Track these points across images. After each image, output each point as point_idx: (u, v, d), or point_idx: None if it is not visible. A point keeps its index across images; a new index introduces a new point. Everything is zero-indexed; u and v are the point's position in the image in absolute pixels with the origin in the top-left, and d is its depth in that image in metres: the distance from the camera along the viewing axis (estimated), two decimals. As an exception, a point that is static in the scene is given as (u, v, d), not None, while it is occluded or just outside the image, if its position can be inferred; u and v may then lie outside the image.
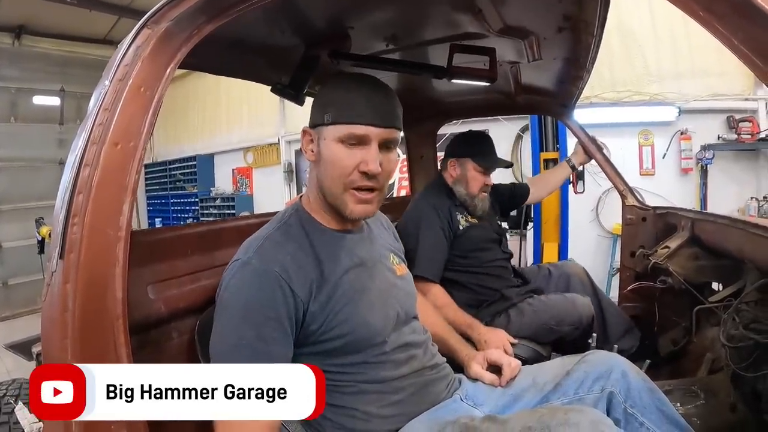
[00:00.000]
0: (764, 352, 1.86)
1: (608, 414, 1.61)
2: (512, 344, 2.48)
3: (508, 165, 3.35)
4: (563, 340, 2.69)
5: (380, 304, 1.61)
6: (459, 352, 2.00)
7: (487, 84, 2.28)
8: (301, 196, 1.72)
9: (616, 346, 2.49)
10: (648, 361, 2.43)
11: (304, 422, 1.56)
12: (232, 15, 1.33)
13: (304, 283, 1.44)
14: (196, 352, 1.61)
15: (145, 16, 1.30)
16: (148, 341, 1.53)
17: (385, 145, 1.52)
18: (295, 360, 1.47)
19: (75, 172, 1.23)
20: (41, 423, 2.64)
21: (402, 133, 3.85)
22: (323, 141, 1.52)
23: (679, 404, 2.15)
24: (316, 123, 1.55)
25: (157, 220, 12.68)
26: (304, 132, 1.59)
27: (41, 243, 4.88)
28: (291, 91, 2.23)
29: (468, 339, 2.45)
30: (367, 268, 1.65)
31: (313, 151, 1.57)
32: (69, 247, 1.21)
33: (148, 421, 1.29)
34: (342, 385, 1.53)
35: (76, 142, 1.30)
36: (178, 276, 1.69)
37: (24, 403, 2.82)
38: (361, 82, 1.58)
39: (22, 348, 5.44)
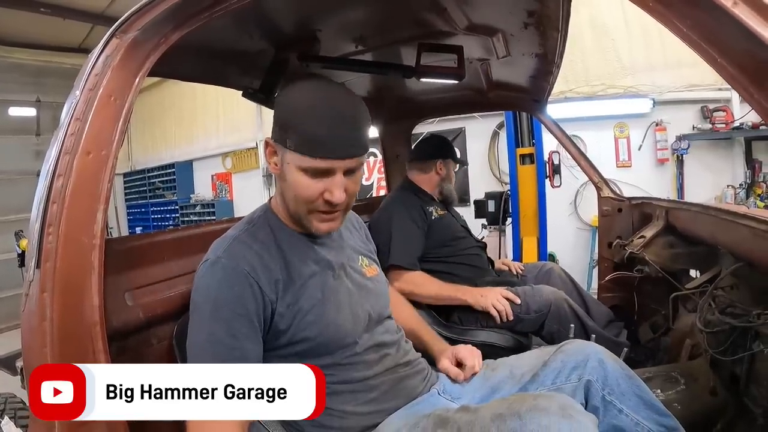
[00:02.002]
0: (740, 336, 1.89)
1: (587, 402, 1.64)
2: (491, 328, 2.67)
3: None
4: (539, 329, 2.74)
5: (349, 305, 1.63)
6: (432, 347, 2.02)
7: (458, 81, 2.31)
8: (270, 199, 1.72)
9: (593, 335, 2.53)
10: (626, 349, 2.46)
11: (283, 421, 1.59)
12: (198, 22, 1.35)
13: (270, 283, 1.46)
14: (175, 357, 1.61)
15: (114, 26, 1.32)
16: (128, 348, 1.54)
17: (350, 171, 1.50)
18: (268, 362, 1.49)
19: (49, 182, 1.25)
20: (26, 437, 2.64)
21: (377, 133, 3.88)
22: (286, 164, 1.48)
23: (659, 390, 2.17)
24: (276, 139, 1.50)
25: (137, 228, 12.57)
26: (267, 143, 1.53)
27: (21, 256, 4.86)
28: (261, 95, 2.26)
29: (458, 317, 2.68)
30: (334, 271, 1.66)
31: (276, 165, 1.52)
32: (45, 257, 1.23)
33: (131, 422, 1.31)
34: None
35: (50, 152, 1.32)
36: (154, 282, 1.71)
37: (10, 418, 2.82)
38: (325, 103, 1.48)
39: (5, 363, 5.38)
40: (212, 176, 11.52)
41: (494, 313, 2.65)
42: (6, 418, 2.82)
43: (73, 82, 1.37)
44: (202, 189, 11.72)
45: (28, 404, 2.86)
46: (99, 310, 1.27)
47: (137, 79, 1.34)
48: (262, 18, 1.70)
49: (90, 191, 1.27)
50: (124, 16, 1.31)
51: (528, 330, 2.74)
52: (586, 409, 1.61)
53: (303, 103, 1.46)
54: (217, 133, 11.17)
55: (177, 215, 11.63)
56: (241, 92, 2.36)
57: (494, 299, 2.66)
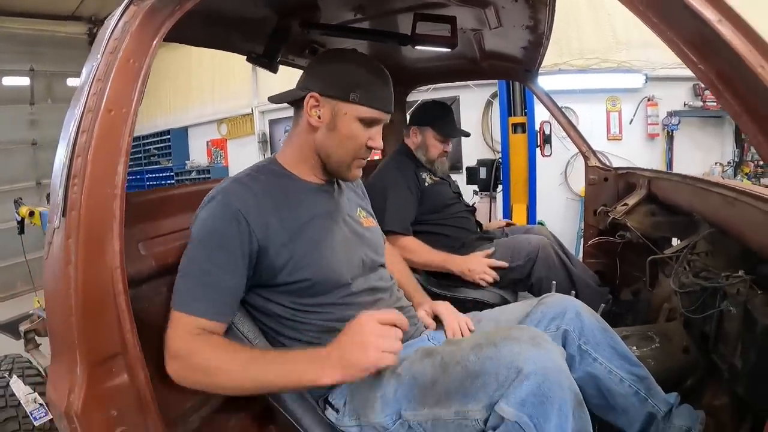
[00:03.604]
0: (710, 297, 2.00)
1: (564, 350, 1.78)
2: (497, 267, 2.80)
3: (465, 134, 3.60)
4: (528, 276, 2.87)
5: (345, 250, 1.78)
6: (413, 297, 2.20)
7: (451, 50, 2.40)
8: (274, 154, 1.90)
9: (573, 291, 2.65)
10: (603, 305, 2.57)
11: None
12: None
13: (261, 220, 1.61)
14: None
15: None
16: (141, 296, 1.63)
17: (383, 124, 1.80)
18: (270, 295, 1.69)
19: (73, 138, 1.33)
20: (35, 393, 2.75)
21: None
22: (342, 115, 1.72)
23: (635, 348, 2.28)
24: (333, 95, 1.71)
25: (133, 194, 12.55)
26: (311, 96, 1.72)
27: (21, 223, 4.85)
28: (265, 60, 2.34)
29: (449, 274, 2.77)
30: (333, 218, 1.82)
31: (320, 118, 1.73)
32: (70, 206, 1.31)
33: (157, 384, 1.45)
34: (314, 324, 1.70)
35: (71, 111, 1.40)
36: (165, 234, 1.81)
37: (18, 376, 2.91)
38: (379, 71, 1.78)
39: (8, 328, 5.43)
40: (207, 142, 11.54)
41: (483, 284, 2.79)
42: (14, 376, 2.89)
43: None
44: (198, 155, 11.72)
45: (34, 364, 2.96)
46: (120, 255, 1.36)
47: (154, 43, 1.41)
48: (267, -14, 1.76)
49: (112, 145, 1.35)
50: (141, -15, 1.40)
51: (519, 277, 2.87)
52: (563, 357, 1.76)
53: (367, 67, 1.76)
54: (213, 100, 11.15)
55: (172, 182, 11.56)
56: (245, 57, 2.44)
57: (481, 273, 2.79)
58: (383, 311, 1.52)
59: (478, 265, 2.80)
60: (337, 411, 1.66)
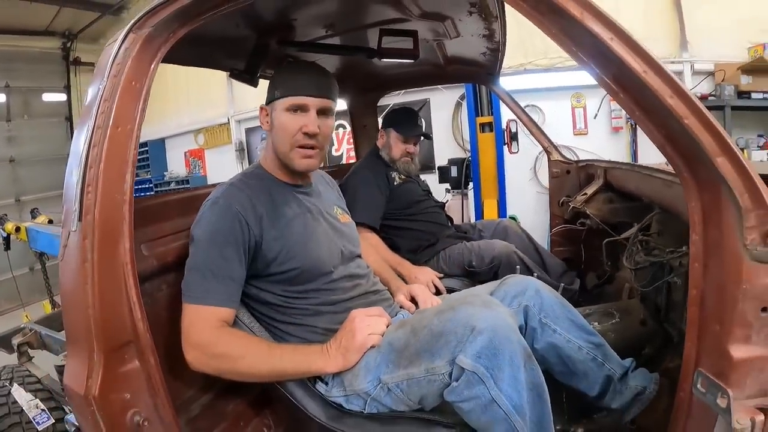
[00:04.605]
0: (659, 271, 2.21)
1: (525, 324, 2.00)
2: (440, 278, 2.92)
3: (427, 137, 3.77)
4: (493, 279, 2.99)
5: (326, 242, 2.01)
6: (390, 284, 2.43)
7: (413, 61, 2.59)
8: (258, 160, 2.13)
9: (536, 273, 2.86)
10: (562, 284, 2.76)
11: (275, 335, 1.94)
12: (201, 21, 1.61)
13: (256, 220, 1.84)
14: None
15: (130, 24, 1.56)
16: (145, 292, 1.75)
17: (322, 112, 1.94)
18: (263, 285, 1.90)
19: (86, 152, 1.50)
20: (37, 400, 2.88)
21: (346, 105, 4.09)
22: (275, 112, 1.96)
23: (597, 323, 2.49)
24: (269, 100, 1.99)
25: (112, 208, 12.42)
26: (261, 108, 2.01)
27: (6, 239, 4.85)
28: (246, 75, 2.52)
29: (399, 275, 2.80)
30: (314, 215, 2.04)
31: (268, 122, 1.99)
32: (85, 211, 1.48)
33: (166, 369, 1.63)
34: (303, 308, 1.92)
35: (80, 128, 1.57)
36: (164, 236, 2.01)
37: (19, 384, 3.01)
38: (302, 65, 2.08)
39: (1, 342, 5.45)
40: (185, 153, 11.56)
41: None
42: (15, 385, 2.98)
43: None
44: (176, 166, 11.73)
45: (32, 373, 3.06)
46: (130, 253, 1.54)
47: (152, 67, 1.60)
48: (248, 10, 1.89)
49: (120, 157, 1.52)
50: (138, 16, 1.56)
51: (484, 280, 2.95)
52: (525, 330, 1.98)
53: (288, 68, 2.07)
54: (189, 110, 11.14)
55: (152, 193, 11.47)
56: (228, 73, 2.63)
57: (423, 284, 2.80)
58: (370, 309, 1.88)
59: (424, 276, 2.95)
60: (326, 384, 1.86)
